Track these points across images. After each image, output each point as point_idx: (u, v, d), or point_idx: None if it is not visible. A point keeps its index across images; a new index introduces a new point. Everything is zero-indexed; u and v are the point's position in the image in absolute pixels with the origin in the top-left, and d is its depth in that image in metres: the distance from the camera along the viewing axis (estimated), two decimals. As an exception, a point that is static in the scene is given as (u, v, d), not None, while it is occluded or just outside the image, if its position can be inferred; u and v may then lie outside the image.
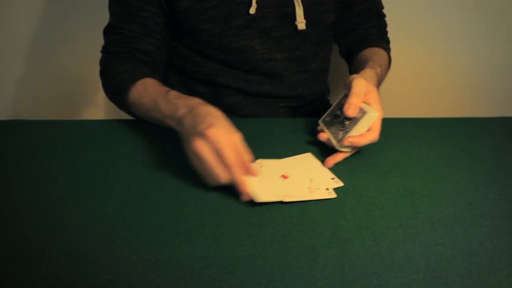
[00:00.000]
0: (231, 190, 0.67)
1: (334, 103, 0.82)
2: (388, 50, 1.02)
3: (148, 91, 0.81)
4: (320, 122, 0.81)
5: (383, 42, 1.03)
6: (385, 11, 1.06)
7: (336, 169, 0.73)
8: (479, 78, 1.39)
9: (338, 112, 0.78)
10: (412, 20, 1.30)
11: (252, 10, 0.88)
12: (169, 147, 0.79)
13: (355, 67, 0.99)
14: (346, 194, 0.68)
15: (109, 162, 0.75)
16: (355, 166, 0.74)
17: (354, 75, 0.77)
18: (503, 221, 0.63)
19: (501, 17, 1.30)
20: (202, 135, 0.64)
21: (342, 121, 0.76)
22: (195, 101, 0.72)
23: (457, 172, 0.73)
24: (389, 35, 1.08)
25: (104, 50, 0.93)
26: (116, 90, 0.87)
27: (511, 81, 1.39)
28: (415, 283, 0.53)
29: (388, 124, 0.85)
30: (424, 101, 1.45)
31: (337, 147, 0.74)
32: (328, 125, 0.78)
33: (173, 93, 0.77)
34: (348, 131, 0.74)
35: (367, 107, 0.74)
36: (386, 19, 1.07)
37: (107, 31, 0.93)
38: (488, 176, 0.72)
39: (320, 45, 1.01)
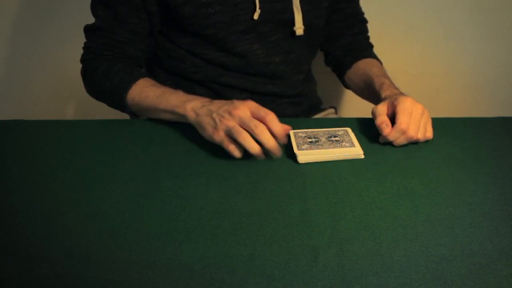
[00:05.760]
0: (231, 190, 0.67)
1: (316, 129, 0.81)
2: (377, 57, 1.06)
3: (153, 86, 0.86)
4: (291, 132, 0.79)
5: (371, 49, 1.07)
6: (385, 11, 1.07)
7: (336, 169, 0.73)
8: (479, 78, 1.39)
9: (322, 139, 0.78)
10: (412, 20, 1.30)
11: (256, 16, 0.89)
12: (169, 147, 0.79)
13: (358, 85, 1.02)
14: (346, 194, 0.68)
15: (109, 162, 0.75)
16: (355, 166, 0.74)
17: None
18: (503, 221, 0.63)
19: (501, 17, 1.30)
20: (230, 114, 0.72)
21: (317, 141, 0.77)
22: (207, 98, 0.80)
23: (457, 172, 0.73)
24: (389, 35, 1.08)
25: (90, 50, 0.93)
26: (114, 88, 0.88)
27: (511, 81, 1.39)
28: (415, 283, 0.53)
29: (388, 124, 0.85)
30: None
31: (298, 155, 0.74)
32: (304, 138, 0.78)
33: (180, 91, 0.84)
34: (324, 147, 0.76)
35: (356, 143, 0.77)
36: (387, 19, 1.08)
37: (93, 31, 0.93)
38: (488, 176, 0.72)
39: (311, 47, 1.04)
